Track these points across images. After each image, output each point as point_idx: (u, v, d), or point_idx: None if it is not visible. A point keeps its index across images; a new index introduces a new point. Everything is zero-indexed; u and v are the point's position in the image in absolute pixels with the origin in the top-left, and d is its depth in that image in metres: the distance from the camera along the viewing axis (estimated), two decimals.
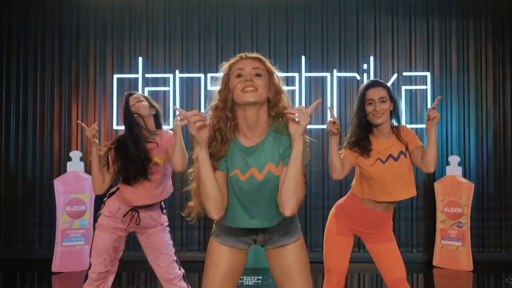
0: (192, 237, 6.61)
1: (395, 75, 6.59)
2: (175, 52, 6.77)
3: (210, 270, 2.54)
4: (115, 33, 6.77)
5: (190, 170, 2.42)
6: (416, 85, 6.67)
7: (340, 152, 3.28)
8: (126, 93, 3.65)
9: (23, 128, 6.71)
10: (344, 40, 6.72)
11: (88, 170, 6.31)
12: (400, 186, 3.17)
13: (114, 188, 3.63)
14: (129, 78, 6.55)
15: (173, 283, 3.70)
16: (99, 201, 4.43)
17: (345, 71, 6.57)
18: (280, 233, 2.54)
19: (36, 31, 6.72)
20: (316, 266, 3.79)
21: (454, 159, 6.31)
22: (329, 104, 6.47)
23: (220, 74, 2.43)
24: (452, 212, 6.18)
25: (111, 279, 3.64)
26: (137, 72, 6.60)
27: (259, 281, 5.47)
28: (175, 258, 3.74)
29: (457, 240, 6.18)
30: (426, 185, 6.52)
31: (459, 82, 6.71)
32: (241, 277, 5.48)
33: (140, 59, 6.60)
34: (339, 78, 6.59)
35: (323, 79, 6.70)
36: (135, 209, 3.49)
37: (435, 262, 6.26)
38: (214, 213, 2.31)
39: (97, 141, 3.48)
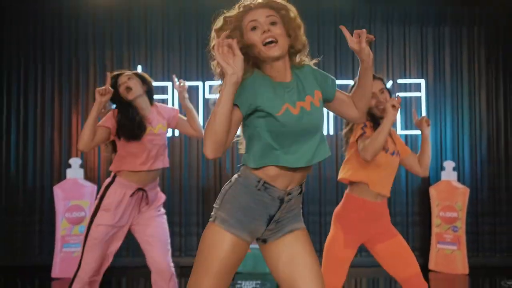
0: (191, 242, 6.58)
1: (390, 82, 6.62)
2: (173, 60, 6.76)
3: (208, 262, 2.21)
4: (114, 42, 6.75)
5: None
6: (410, 92, 6.72)
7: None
8: (111, 75, 3.48)
9: (23, 136, 6.66)
10: (340, 48, 6.73)
11: (87, 177, 6.29)
12: (390, 181, 3.25)
13: (108, 179, 3.51)
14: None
15: (167, 276, 3.56)
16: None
17: (342, 79, 6.55)
18: (294, 211, 2.29)
19: (35, 40, 6.69)
20: None
21: (449, 164, 6.32)
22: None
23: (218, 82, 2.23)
24: (447, 216, 6.20)
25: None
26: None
27: (258, 286, 5.45)
28: (169, 249, 3.64)
29: (452, 244, 6.20)
30: (421, 190, 6.55)
31: (452, 89, 6.75)
32: (239, 282, 5.53)
33: (139, 67, 6.57)
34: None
35: None
36: (141, 189, 3.43)
37: (431, 266, 6.27)
38: (210, 151, 2.05)
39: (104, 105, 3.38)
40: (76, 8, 6.68)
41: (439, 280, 5.91)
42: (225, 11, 2.17)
